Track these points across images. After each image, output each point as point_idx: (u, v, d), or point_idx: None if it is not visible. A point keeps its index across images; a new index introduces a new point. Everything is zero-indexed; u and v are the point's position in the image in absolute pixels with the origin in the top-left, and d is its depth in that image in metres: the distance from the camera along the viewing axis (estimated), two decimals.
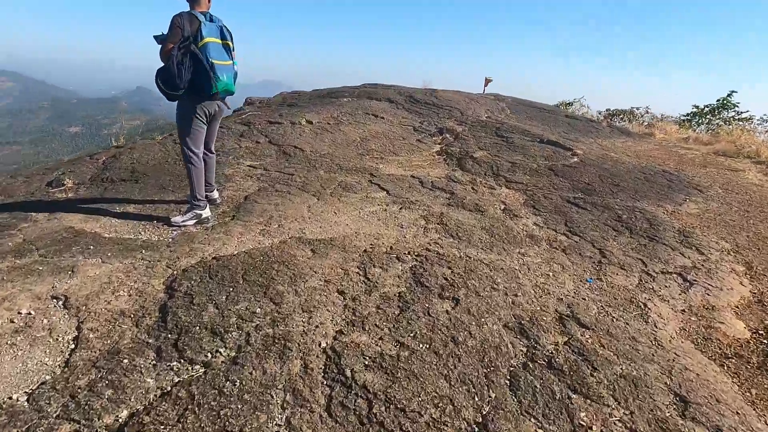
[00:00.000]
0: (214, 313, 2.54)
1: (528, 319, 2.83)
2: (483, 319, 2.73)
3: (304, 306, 2.69)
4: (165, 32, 3.31)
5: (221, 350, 2.27)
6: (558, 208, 5.02)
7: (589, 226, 4.60)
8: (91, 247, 3.23)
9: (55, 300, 2.61)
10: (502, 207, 4.96)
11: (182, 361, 2.19)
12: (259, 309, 2.60)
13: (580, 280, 3.50)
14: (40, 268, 2.90)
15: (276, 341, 2.35)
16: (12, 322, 2.39)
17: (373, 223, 4.17)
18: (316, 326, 2.52)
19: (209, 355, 2.24)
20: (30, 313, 2.47)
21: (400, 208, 4.58)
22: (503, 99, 12.72)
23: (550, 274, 3.54)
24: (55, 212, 3.86)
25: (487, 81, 14.06)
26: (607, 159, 7.34)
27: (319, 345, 2.37)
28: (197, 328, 2.41)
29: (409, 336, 2.49)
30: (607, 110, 15.07)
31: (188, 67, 3.31)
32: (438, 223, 4.26)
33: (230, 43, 3.58)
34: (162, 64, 3.38)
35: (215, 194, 4.22)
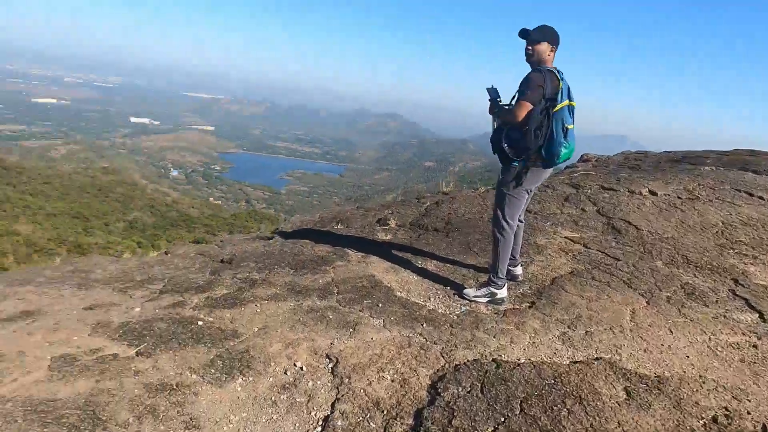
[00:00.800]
0: None
1: None
2: None
3: None
4: (494, 85, 3.00)
5: None
6: None
7: None
8: (380, 304, 3.12)
9: (327, 360, 2.51)
10: None
11: None
12: None
13: None
14: (330, 316, 2.92)
15: None
16: (285, 373, 2.38)
17: (732, 365, 2.71)
18: None
19: None
20: (302, 369, 2.42)
21: None
22: None
23: None
24: (369, 254, 4.04)
25: None
26: None
27: None
28: None
29: None
30: None
31: (544, 132, 2.90)
32: None
33: (575, 104, 2.99)
34: (495, 123, 3.10)
35: (518, 270, 3.62)
